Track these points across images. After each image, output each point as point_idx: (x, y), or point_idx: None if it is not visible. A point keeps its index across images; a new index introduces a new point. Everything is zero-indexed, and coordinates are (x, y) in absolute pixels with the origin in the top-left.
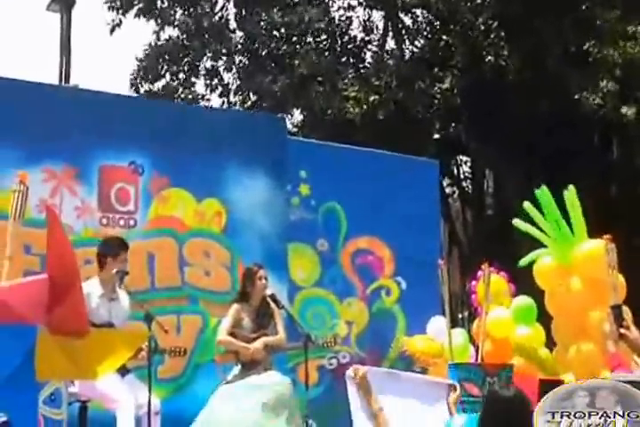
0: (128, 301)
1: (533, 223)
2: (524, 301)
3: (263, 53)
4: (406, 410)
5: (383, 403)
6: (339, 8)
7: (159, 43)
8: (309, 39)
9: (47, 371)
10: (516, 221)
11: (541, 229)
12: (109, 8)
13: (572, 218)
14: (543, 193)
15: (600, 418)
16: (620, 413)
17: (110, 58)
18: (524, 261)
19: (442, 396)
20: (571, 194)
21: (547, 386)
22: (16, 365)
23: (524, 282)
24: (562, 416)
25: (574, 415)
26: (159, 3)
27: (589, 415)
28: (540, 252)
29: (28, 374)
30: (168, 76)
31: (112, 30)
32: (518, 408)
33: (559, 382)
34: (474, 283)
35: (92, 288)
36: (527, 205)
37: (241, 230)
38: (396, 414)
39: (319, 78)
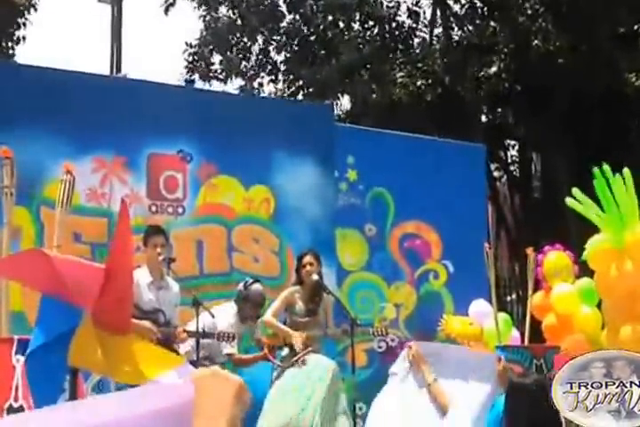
0: (178, 288)
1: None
2: (588, 282)
3: (311, 38)
4: (459, 382)
5: (437, 374)
6: None
7: (211, 25)
8: (357, 26)
9: (79, 358)
10: (570, 201)
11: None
12: None
13: (624, 200)
14: (599, 174)
15: (617, 388)
16: (637, 382)
17: (160, 48)
18: (585, 256)
19: (493, 370)
20: (625, 176)
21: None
22: (54, 346)
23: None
24: (579, 386)
25: (592, 385)
26: None
27: (606, 385)
28: (596, 238)
29: (61, 356)
30: (219, 57)
31: (166, 10)
32: (537, 395)
33: None
34: (540, 256)
35: (140, 276)
36: (576, 191)
37: (289, 216)
38: (450, 385)
39: (367, 65)
